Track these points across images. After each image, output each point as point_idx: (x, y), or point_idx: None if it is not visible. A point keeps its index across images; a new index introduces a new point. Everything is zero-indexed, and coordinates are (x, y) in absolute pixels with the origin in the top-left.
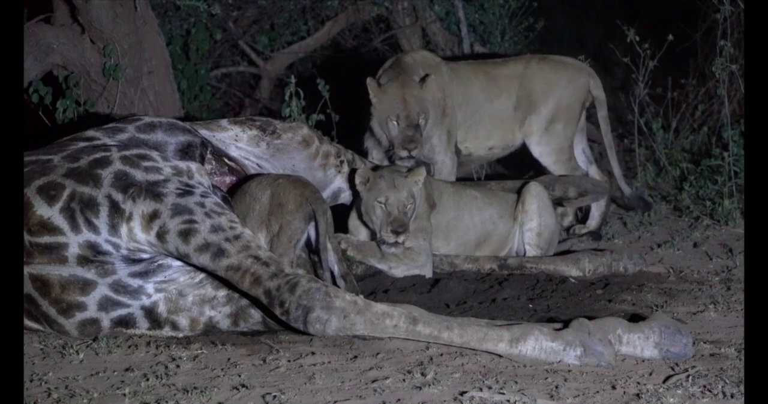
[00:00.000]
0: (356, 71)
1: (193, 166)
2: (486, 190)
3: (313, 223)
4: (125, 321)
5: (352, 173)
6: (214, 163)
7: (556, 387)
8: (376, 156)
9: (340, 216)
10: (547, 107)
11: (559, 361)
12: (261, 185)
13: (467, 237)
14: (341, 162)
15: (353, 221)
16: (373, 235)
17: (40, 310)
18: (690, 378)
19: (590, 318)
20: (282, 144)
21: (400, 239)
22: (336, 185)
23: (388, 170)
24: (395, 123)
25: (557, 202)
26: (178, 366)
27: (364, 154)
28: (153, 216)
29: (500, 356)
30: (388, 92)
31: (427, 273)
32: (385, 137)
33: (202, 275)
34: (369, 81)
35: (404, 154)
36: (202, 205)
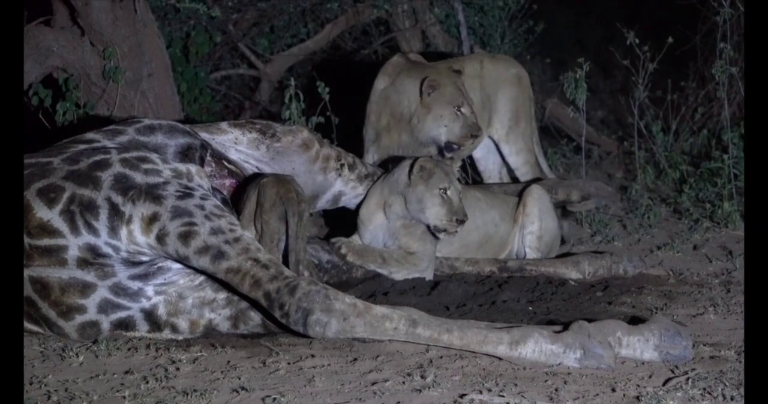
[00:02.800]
0: (356, 74)
1: (193, 168)
2: (488, 192)
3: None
4: (125, 324)
5: (413, 163)
6: (213, 165)
7: (556, 390)
8: (373, 159)
9: (342, 219)
10: (509, 105)
11: (559, 364)
12: (253, 184)
13: (470, 238)
14: (342, 165)
15: (366, 209)
16: (389, 222)
17: (40, 313)
18: (690, 380)
19: (590, 320)
20: (282, 147)
21: (460, 227)
22: (337, 188)
23: (441, 162)
24: (458, 113)
25: (560, 206)
26: (177, 369)
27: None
28: (153, 218)
29: (500, 358)
30: (443, 84)
31: (428, 276)
32: (443, 133)
33: (201, 277)
34: (430, 79)
35: (470, 141)
36: (202, 208)
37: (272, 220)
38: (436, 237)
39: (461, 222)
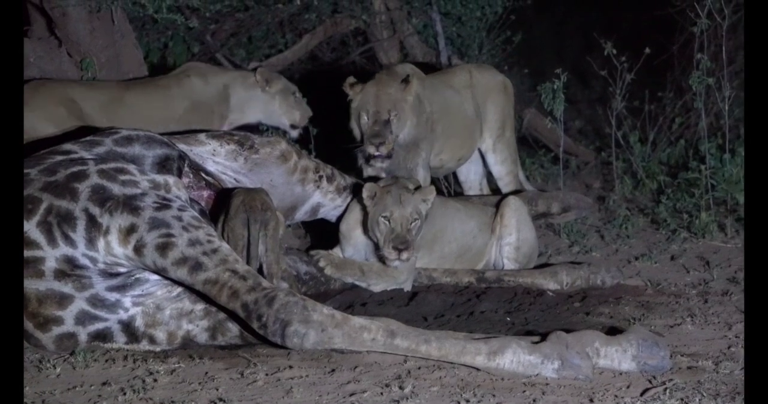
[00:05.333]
0: (334, 84)
1: (171, 179)
2: (467, 202)
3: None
4: (102, 336)
5: (358, 187)
6: (191, 176)
7: (534, 401)
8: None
9: (322, 231)
10: (497, 114)
11: (537, 374)
12: (228, 197)
13: (449, 248)
14: (320, 177)
15: (346, 224)
16: (369, 240)
17: None
18: (667, 391)
19: (568, 331)
20: (260, 159)
21: (403, 256)
22: (315, 200)
23: (396, 186)
24: (366, 118)
25: (540, 218)
26: (155, 380)
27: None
28: (130, 230)
29: (478, 369)
30: (364, 90)
31: (407, 287)
32: (359, 134)
33: (179, 289)
34: (347, 80)
35: (372, 149)
36: (180, 219)
37: (236, 227)
38: (384, 264)
39: (399, 250)
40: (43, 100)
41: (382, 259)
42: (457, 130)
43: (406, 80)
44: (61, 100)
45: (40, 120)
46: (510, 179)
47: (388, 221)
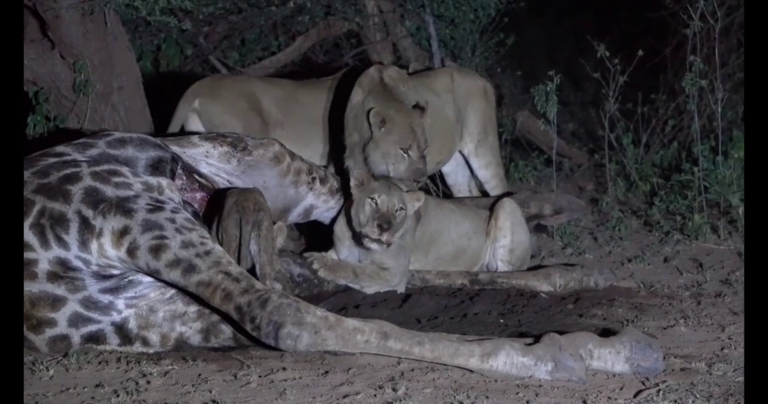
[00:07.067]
0: None
1: (164, 181)
2: (461, 204)
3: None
4: (95, 338)
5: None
6: (184, 178)
7: (527, 402)
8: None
9: (317, 233)
10: (478, 118)
11: (531, 376)
12: (223, 197)
13: (445, 250)
14: (313, 179)
15: (340, 226)
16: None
17: None
18: (661, 392)
19: (561, 333)
20: (253, 160)
21: (384, 237)
22: (308, 202)
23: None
24: (405, 155)
25: (532, 219)
26: (148, 382)
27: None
28: (123, 232)
29: (471, 371)
30: (396, 122)
31: (400, 289)
32: (386, 168)
33: (172, 291)
34: (376, 112)
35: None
36: (173, 221)
37: (230, 228)
38: (366, 248)
39: (383, 229)
40: (228, 93)
41: (361, 240)
42: (438, 133)
43: (420, 107)
44: (244, 94)
45: (224, 113)
46: (496, 182)
47: (375, 203)
